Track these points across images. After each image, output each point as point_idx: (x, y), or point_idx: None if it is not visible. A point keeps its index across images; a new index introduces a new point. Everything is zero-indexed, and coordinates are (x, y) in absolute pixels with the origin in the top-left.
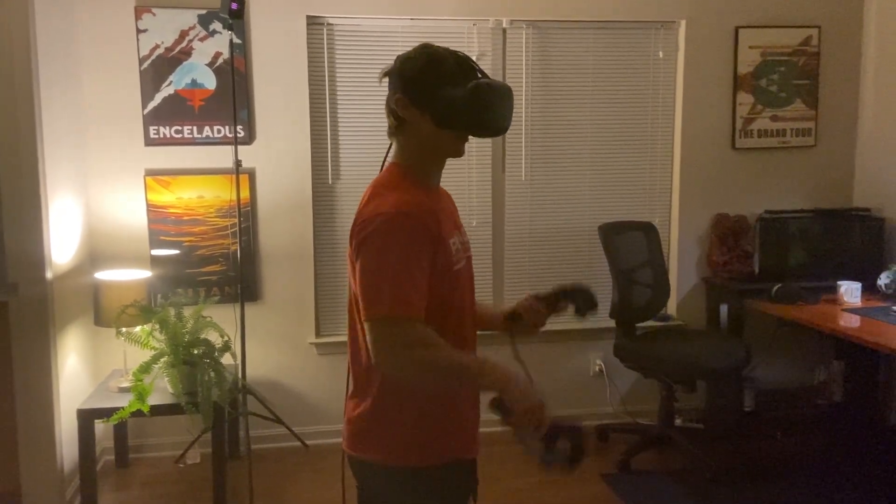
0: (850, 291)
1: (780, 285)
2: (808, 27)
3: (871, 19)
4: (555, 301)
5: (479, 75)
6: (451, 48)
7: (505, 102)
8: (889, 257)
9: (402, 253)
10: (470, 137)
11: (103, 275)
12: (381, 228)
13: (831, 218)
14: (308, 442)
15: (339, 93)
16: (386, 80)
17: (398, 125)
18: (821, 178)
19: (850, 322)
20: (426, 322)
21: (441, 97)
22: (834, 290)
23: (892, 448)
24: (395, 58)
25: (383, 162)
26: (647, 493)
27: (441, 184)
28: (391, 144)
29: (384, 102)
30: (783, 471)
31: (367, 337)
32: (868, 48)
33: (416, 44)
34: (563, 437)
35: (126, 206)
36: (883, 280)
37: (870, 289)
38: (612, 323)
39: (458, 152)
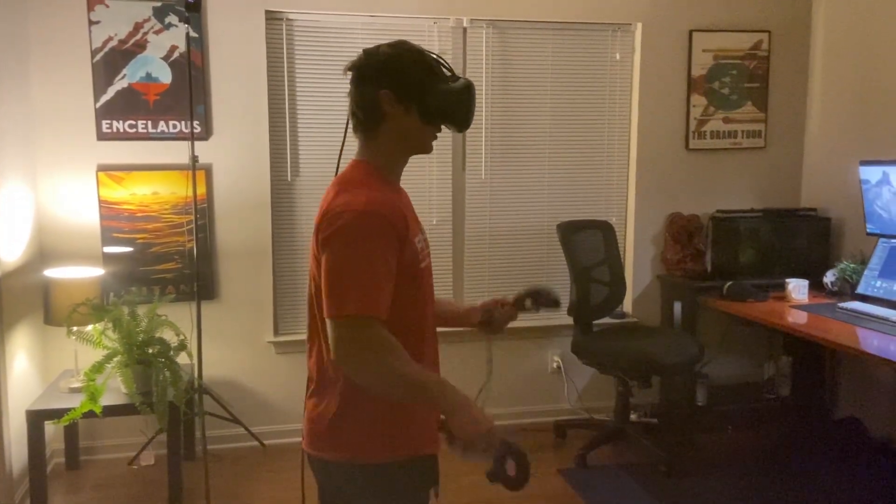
0: (797, 289)
1: (731, 283)
2: (759, 31)
3: (818, 25)
4: (521, 301)
5: (449, 73)
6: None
7: (474, 98)
8: (834, 255)
9: (370, 252)
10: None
11: (53, 272)
12: (351, 225)
13: (780, 217)
14: (266, 442)
15: (298, 89)
16: (348, 75)
17: (376, 120)
18: (770, 178)
19: (797, 318)
20: (391, 320)
21: (432, 92)
22: (782, 287)
23: (837, 440)
24: (360, 52)
25: (339, 158)
26: (604, 488)
27: (401, 182)
28: (343, 142)
29: (347, 99)
30: (734, 463)
31: (329, 335)
32: (815, 53)
33: (377, 41)
34: (510, 458)
35: (77, 202)
36: (829, 277)
37: (816, 286)
38: (569, 320)
39: (430, 148)
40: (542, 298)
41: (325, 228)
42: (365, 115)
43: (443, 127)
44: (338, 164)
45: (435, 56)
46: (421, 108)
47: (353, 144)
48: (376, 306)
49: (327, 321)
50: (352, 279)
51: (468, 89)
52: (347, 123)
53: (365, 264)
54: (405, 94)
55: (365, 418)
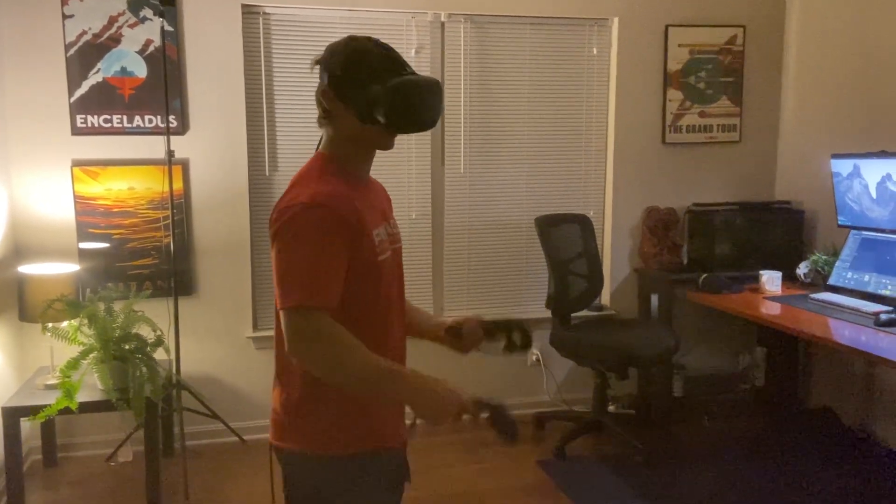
0: (771, 280)
1: (706, 275)
2: (734, 26)
3: (792, 20)
4: (493, 330)
5: (404, 69)
6: (377, 40)
7: (429, 97)
8: (807, 247)
9: (315, 244)
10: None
11: (28, 268)
12: (297, 218)
13: (754, 210)
14: (245, 437)
15: (275, 83)
16: (317, 68)
17: (326, 116)
18: (745, 172)
19: (770, 310)
20: (351, 313)
21: (363, 94)
22: (756, 279)
23: (811, 429)
24: (325, 47)
25: (316, 151)
26: (582, 478)
27: (380, 177)
28: (322, 137)
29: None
30: (710, 453)
31: (283, 326)
32: (789, 48)
33: (355, 33)
34: (490, 412)
35: (52, 197)
36: (802, 269)
37: (790, 278)
38: (548, 313)
39: (387, 145)
40: (514, 333)
41: (274, 222)
42: (319, 108)
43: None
44: None
45: (388, 50)
46: (356, 106)
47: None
48: (322, 297)
49: (280, 313)
50: (297, 270)
51: (396, 91)
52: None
53: (311, 257)
54: (340, 91)
55: (327, 409)
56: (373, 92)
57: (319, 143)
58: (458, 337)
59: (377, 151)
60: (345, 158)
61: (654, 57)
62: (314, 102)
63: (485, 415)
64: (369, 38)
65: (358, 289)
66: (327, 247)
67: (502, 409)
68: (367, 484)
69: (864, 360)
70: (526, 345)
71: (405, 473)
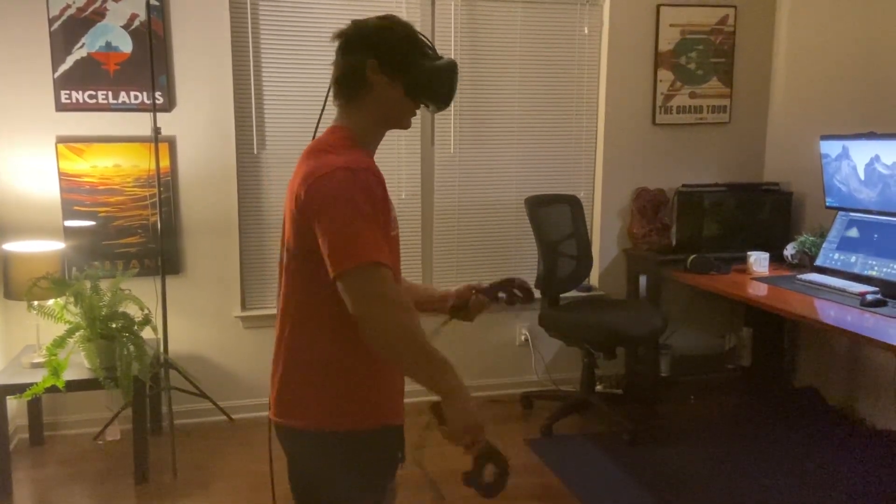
0: (758, 261)
1: (694, 256)
2: (725, 6)
3: (783, 1)
4: (494, 291)
5: (431, 51)
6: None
7: (457, 77)
8: (795, 229)
9: (366, 205)
10: None
11: (12, 246)
12: (345, 182)
13: (743, 192)
14: (234, 416)
15: (263, 59)
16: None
17: (359, 89)
18: (734, 153)
19: (757, 290)
20: None
21: (417, 67)
22: (744, 260)
23: (796, 408)
24: (350, 21)
25: (316, 126)
26: (569, 456)
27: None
28: (322, 111)
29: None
30: (697, 432)
31: (346, 294)
32: (780, 29)
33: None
34: (490, 463)
35: (36, 174)
36: (789, 250)
37: (777, 259)
38: (537, 293)
39: (408, 124)
40: (515, 290)
41: (313, 189)
42: (348, 83)
43: (421, 106)
44: (315, 133)
45: (421, 35)
46: (406, 81)
47: (329, 114)
48: (380, 253)
49: (340, 282)
50: (356, 231)
51: (453, 68)
52: (328, 92)
53: (366, 216)
54: (391, 66)
55: (331, 387)
56: (429, 67)
57: (320, 118)
58: (464, 308)
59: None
60: (363, 134)
61: (646, 37)
62: (304, 80)
63: (485, 462)
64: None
65: None
66: (377, 209)
67: (504, 470)
68: (368, 461)
69: (849, 340)
70: (528, 297)
71: (402, 452)
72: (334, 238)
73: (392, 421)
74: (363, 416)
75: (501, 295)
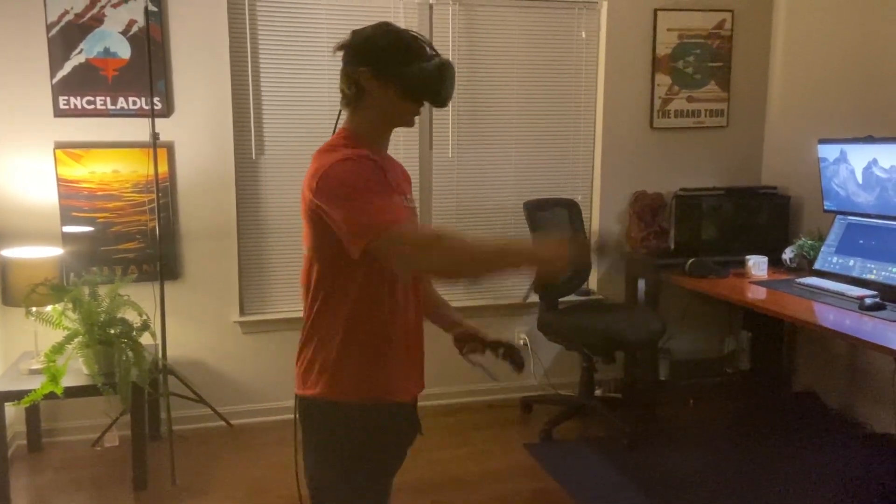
0: (757, 265)
1: (693, 260)
2: (722, 11)
3: (780, 5)
4: (495, 347)
5: (430, 51)
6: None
7: (454, 76)
8: (793, 232)
9: (371, 181)
10: None
11: (10, 252)
12: (347, 168)
13: (741, 196)
14: (233, 422)
15: (262, 65)
16: (338, 54)
17: (357, 96)
18: (732, 157)
19: (756, 294)
20: (371, 268)
21: (407, 72)
22: (743, 264)
23: (795, 412)
24: (350, 32)
25: (334, 129)
26: (569, 461)
27: None
28: (339, 113)
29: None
30: (696, 436)
31: (385, 259)
32: (777, 33)
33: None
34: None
35: (35, 180)
36: (787, 254)
37: (775, 262)
38: (535, 297)
39: (411, 123)
40: (511, 357)
41: (321, 183)
42: (349, 90)
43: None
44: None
45: (415, 35)
46: (397, 85)
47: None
48: (392, 214)
49: (372, 251)
50: (366, 203)
51: (441, 68)
52: (342, 99)
53: (373, 189)
54: (382, 72)
55: (349, 361)
56: (417, 70)
57: (337, 122)
58: (461, 343)
59: None
60: (367, 133)
61: (643, 41)
62: (302, 86)
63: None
64: (398, 26)
65: None
66: (373, 181)
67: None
68: (377, 433)
69: (848, 343)
70: (518, 370)
71: (416, 427)
72: (344, 218)
73: (399, 398)
74: (373, 390)
75: (499, 352)
